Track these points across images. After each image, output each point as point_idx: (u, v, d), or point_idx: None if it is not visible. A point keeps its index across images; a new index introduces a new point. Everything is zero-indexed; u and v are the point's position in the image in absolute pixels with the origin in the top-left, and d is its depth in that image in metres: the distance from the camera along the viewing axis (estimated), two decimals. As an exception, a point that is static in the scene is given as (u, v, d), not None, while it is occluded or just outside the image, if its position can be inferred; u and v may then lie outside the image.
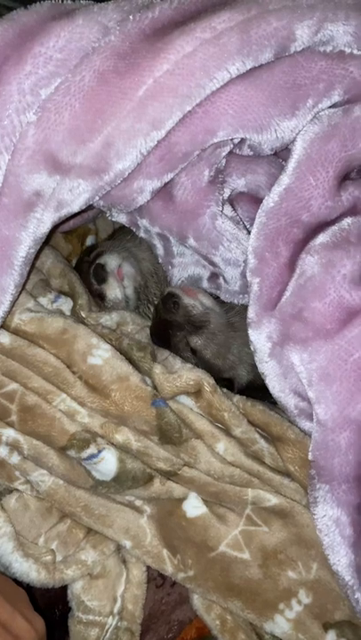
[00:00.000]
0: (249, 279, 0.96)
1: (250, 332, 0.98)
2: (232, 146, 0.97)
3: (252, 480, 0.96)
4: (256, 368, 0.97)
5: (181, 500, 0.97)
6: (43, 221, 0.94)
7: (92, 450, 1.01)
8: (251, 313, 0.98)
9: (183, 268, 1.08)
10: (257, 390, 1.04)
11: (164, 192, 0.95)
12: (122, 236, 1.26)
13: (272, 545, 0.90)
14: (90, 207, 1.02)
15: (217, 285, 1.07)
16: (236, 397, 1.09)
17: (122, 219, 1.14)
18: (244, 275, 0.97)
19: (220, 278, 1.05)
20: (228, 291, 1.05)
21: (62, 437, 0.94)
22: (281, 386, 0.97)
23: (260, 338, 0.96)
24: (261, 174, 1.00)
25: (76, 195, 0.93)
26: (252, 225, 0.94)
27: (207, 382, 1.04)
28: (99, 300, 1.16)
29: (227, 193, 0.98)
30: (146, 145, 0.83)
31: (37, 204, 0.93)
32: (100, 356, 0.99)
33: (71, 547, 0.93)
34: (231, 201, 1.01)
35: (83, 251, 1.29)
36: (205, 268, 1.05)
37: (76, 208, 0.90)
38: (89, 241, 1.36)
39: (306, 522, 0.91)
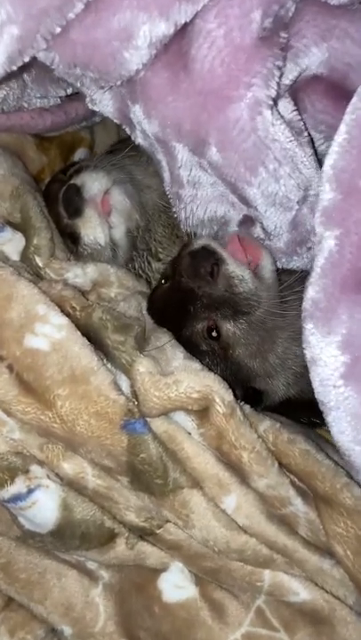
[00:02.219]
0: (318, 230, 0.52)
1: (307, 328, 0.55)
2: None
3: (273, 558, 0.68)
4: (303, 379, 0.73)
5: (158, 571, 0.71)
6: None
7: (17, 487, 0.66)
8: (313, 293, 0.54)
9: (197, 204, 0.75)
10: (296, 412, 0.77)
11: (174, 53, 0.62)
12: (123, 149, 0.92)
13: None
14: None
15: (254, 233, 0.77)
16: (266, 424, 0.68)
17: (106, 106, 0.74)
18: (297, 224, 0.70)
19: (258, 226, 0.75)
20: (269, 245, 0.75)
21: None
22: (356, 432, 0.55)
23: (328, 344, 0.54)
24: (358, 42, 0.61)
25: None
26: (326, 138, 0.67)
27: (220, 398, 0.65)
28: (70, 242, 0.84)
29: (290, 73, 0.65)
30: None
31: None
32: (47, 335, 0.64)
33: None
34: (294, 93, 0.69)
35: (62, 168, 0.95)
36: (234, 206, 0.75)
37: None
38: (78, 155, 1.03)
39: (351, 635, 0.66)
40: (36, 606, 0.68)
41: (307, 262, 0.75)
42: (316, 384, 0.58)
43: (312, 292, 0.56)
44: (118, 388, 0.64)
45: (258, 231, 0.76)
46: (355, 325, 0.54)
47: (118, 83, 0.66)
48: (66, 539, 0.67)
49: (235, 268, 0.72)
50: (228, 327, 0.73)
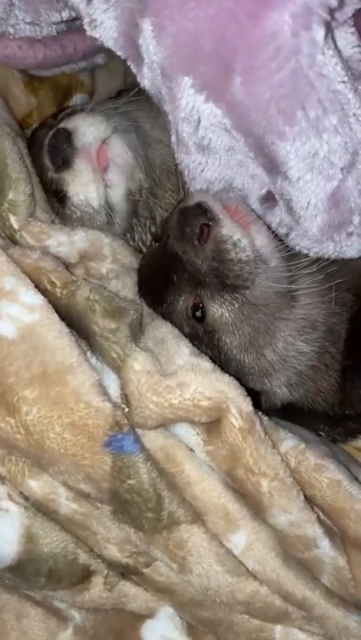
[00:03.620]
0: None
1: None
2: None
3: (287, 612, 0.56)
4: (310, 381, 0.64)
5: (143, 617, 0.59)
6: None
7: None
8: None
9: (207, 174, 0.62)
10: (302, 419, 0.65)
11: None
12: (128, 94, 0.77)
13: None
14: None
15: (273, 219, 0.64)
16: (288, 444, 0.55)
17: (109, 29, 0.58)
18: (338, 201, 0.57)
19: (281, 205, 0.61)
20: (294, 233, 0.62)
21: None
22: None
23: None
24: None
25: None
26: None
27: (237, 408, 0.52)
28: (55, 201, 0.70)
29: None
30: None
31: None
32: (15, 318, 0.50)
33: None
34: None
35: (53, 113, 0.81)
36: (255, 179, 0.61)
37: None
38: (75, 101, 0.88)
39: None
40: (-11, 653, 0.55)
41: (342, 250, 0.61)
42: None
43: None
44: (104, 392, 0.50)
45: (280, 213, 0.62)
46: None
47: None
48: (28, 576, 0.54)
49: (229, 232, 0.60)
50: (215, 307, 0.61)
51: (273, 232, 0.64)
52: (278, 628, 0.56)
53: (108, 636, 0.58)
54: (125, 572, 0.56)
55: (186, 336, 0.60)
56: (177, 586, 0.55)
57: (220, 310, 0.61)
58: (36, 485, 0.53)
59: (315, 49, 0.48)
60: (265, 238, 0.62)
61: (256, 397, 0.61)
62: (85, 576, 0.55)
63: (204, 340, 0.62)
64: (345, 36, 0.52)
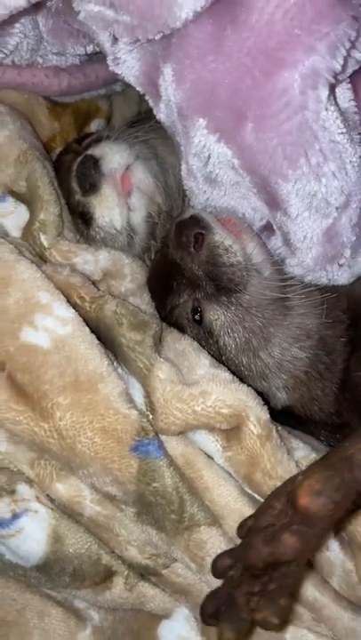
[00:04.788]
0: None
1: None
2: None
3: (299, 613, 0.58)
4: (301, 386, 0.67)
5: (159, 618, 0.61)
6: None
7: (1, 510, 0.55)
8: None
9: (213, 197, 0.67)
10: (302, 426, 0.67)
11: (225, 4, 0.53)
12: (147, 123, 0.82)
13: None
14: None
15: (270, 246, 0.68)
16: (299, 454, 0.59)
17: (131, 67, 0.63)
18: (332, 236, 0.62)
19: (278, 236, 0.66)
20: (288, 261, 0.67)
21: None
22: None
23: None
24: None
25: None
26: None
27: (256, 416, 0.55)
28: (81, 223, 0.74)
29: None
30: None
31: None
32: (49, 330, 0.54)
33: None
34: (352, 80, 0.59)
35: (76, 138, 0.86)
36: (256, 210, 0.66)
37: None
38: (94, 127, 0.93)
39: None
40: (13, 650, 0.57)
41: (333, 278, 0.66)
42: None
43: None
44: (130, 400, 0.54)
45: (276, 242, 0.67)
46: None
47: (157, 36, 0.55)
48: (54, 575, 0.56)
49: (221, 238, 0.64)
50: (212, 309, 0.65)
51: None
52: (290, 628, 0.58)
53: (125, 636, 0.60)
54: (145, 574, 0.58)
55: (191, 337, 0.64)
56: (193, 587, 0.58)
57: (216, 313, 0.65)
58: (63, 488, 0.56)
59: (320, 106, 0.53)
60: (256, 245, 0.66)
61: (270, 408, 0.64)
62: (107, 576, 0.57)
63: (205, 341, 0.66)
64: (343, 92, 0.57)
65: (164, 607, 0.59)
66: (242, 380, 0.60)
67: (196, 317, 0.66)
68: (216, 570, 0.49)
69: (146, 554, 0.57)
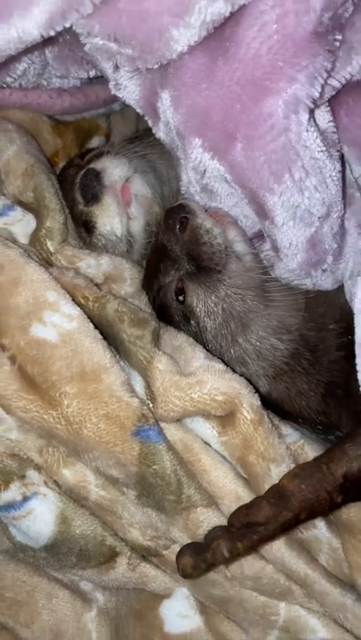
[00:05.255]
0: None
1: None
2: None
3: (291, 589, 0.62)
4: (284, 376, 0.69)
5: (161, 597, 0.64)
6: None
7: (12, 493, 0.59)
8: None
9: (211, 205, 0.72)
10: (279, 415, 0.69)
11: (216, 37, 0.58)
12: (145, 139, 0.87)
13: None
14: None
15: (263, 253, 0.72)
16: (289, 439, 0.62)
17: (132, 92, 0.68)
18: (315, 243, 0.66)
19: (268, 244, 0.70)
20: (276, 266, 0.70)
21: None
22: None
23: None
24: None
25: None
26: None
27: (248, 402, 0.59)
28: (83, 231, 0.77)
29: (339, 73, 0.60)
30: None
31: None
32: (57, 325, 0.58)
33: None
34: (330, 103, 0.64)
35: (78, 153, 0.89)
36: (247, 218, 0.71)
37: (37, 19, 0.53)
38: (94, 143, 0.97)
39: None
40: (22, 630, 0.61)
41: (318, 283, 0.70)
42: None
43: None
44: (132, 390, 0.58)
45: (267, 249, 0.71)
46: None
47: (156, 66, 0.61)
48: (61, 555, 0.60)
49: (203, 221, 0.68)
50: (193, 289, 0.68)
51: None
52: (283, 604, 0.61)
53: (129, 616, 0.63)
54: (146, 555, 0.62)
55: (174, 322, 0.69)
56: None
57: (196, 293, 0.68)
58: (69, 474, 0.59)
59: (301, 128, 0.57)
60: (237, 234, 0.70)
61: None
62: (111, 556, 0.61)
63: (188, 321, 0.70)
64: (322, 114, 0.62)
65: (165, 587, 0.63)
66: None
67: (180, 298, 0.69)
68: (206, 536, 0.54)
69: (147, 536, 0.61)
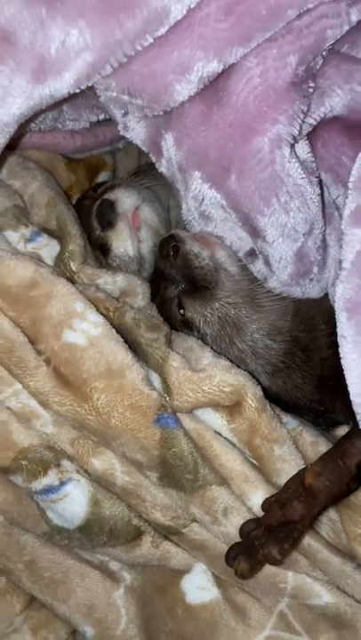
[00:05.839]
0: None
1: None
2: (347, 27, 0.64)
3: (297, 559, 0.68)
4: (281, 373, 0.78)
5: (182, 573, 0.71)
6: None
7: (50, 479, 0.66)
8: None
9: (207, 230, 0.80)
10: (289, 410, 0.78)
11: (211, 88, 0.67)
12: (148, 173, 0.97)
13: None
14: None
15: (254, 268, 0.80)
16: (289, 426, 0.71)
17: (138, 133, 0.77)
18: (302, 256, 0.74)
19: (260, 259, 0.78)
20: (269, 279, 0.78)
21: (5, 453, 0.65)
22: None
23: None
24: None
25: (70, 50, 0.58)
26: (342, 180, 0.70)
27: (252, 392, 0.68)
28: (100, 253, 0.87)
29: (315, 112, 0.70)
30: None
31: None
32: (85, 331, 0.67)
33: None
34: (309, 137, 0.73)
35: (90, 187, 0.99)
36: (242, 239, 0.79)
37: (67, 81, 0.62)
38: (102, 177, 1.07)
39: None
40: (59, 605, 0.67)
41: (306, 291, 0.78)
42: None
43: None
44: (151, 384, 0.66)
45: (260, 264, 0.79)
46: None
47: (161, 112, 0.71)
48: (93, 535, 0.67)
49: (191, 247, 0.77)
50: (190, 305, 0.78)
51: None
52: (290, 573, 0.67)
53: (154, 592, 0.69)
54: (167, 534, 0.69)
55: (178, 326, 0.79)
56: (209, 542, 0.68)
57: (193, 307, 0.78)
58: (98, 463, 0.67)
59: (284, 160, 0.66)
60: (224, 251, 0.78)
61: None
62: (137, 535, 0.68)
63: (190, 329, 0.79)
64: (302, 147, 0.70)
65: (186, 563, 0.70)
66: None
67: (181, 312, 0.79)
68: (241, 530, 0.63)
69: (168, 516, 0.68)
